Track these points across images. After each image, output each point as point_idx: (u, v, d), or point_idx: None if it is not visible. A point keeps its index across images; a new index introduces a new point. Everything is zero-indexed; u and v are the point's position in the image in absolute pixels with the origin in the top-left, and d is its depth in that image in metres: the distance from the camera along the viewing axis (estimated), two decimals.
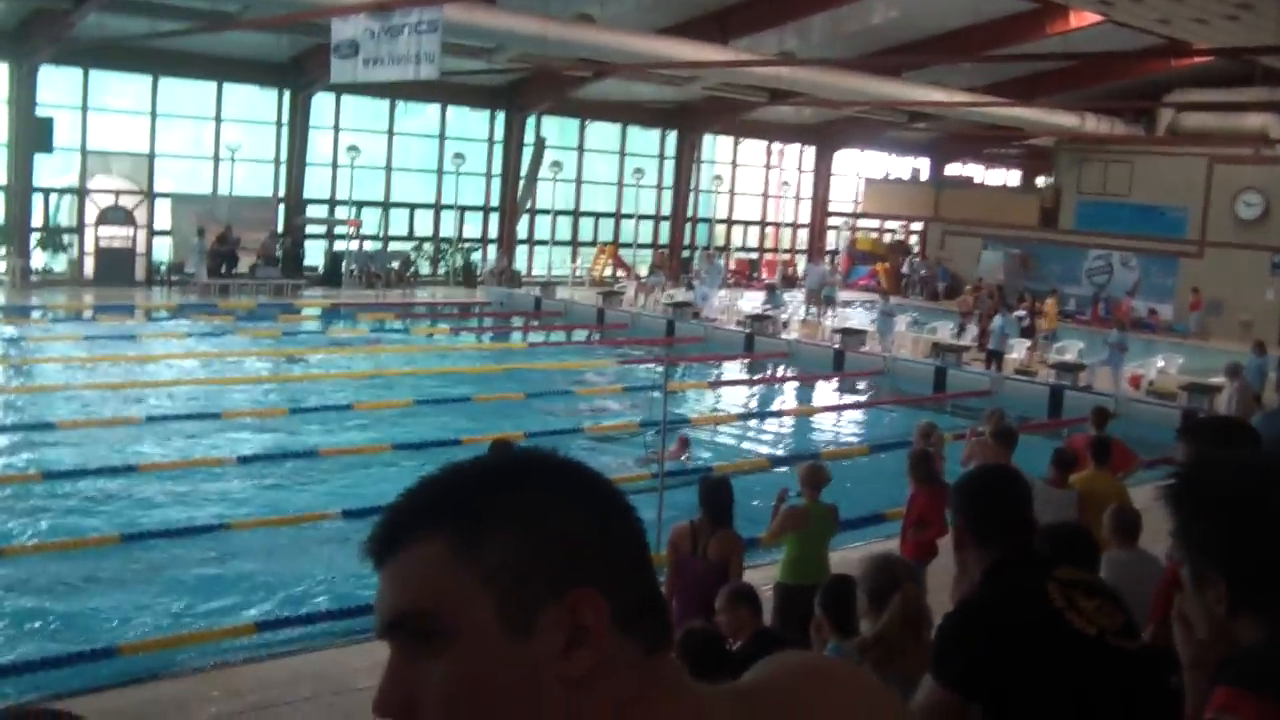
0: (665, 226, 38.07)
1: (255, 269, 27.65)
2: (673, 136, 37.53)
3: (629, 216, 36.78)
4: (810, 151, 42.61)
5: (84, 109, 26.75)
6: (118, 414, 14.37)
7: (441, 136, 33.02)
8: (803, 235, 43.29)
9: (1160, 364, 22.29)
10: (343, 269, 29.64)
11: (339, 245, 30.69)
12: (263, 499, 11.59)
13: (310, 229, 30.70)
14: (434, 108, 32.86)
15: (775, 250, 42.17)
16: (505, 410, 16.10)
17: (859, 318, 28.88)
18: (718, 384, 20.78)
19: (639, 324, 26.15)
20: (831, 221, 43.87)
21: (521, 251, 34.91)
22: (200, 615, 8.66)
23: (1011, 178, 47.92)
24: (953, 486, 3.17)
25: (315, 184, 30.71)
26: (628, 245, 36.32)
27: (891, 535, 9.17)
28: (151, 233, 27.71)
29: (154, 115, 27.78)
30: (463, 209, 33.44)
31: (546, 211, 34.81)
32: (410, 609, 0.98)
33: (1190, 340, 29.45)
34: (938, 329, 25.54)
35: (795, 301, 30.38)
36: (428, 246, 32.81)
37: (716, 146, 40.55)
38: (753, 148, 41.51)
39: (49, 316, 22.89)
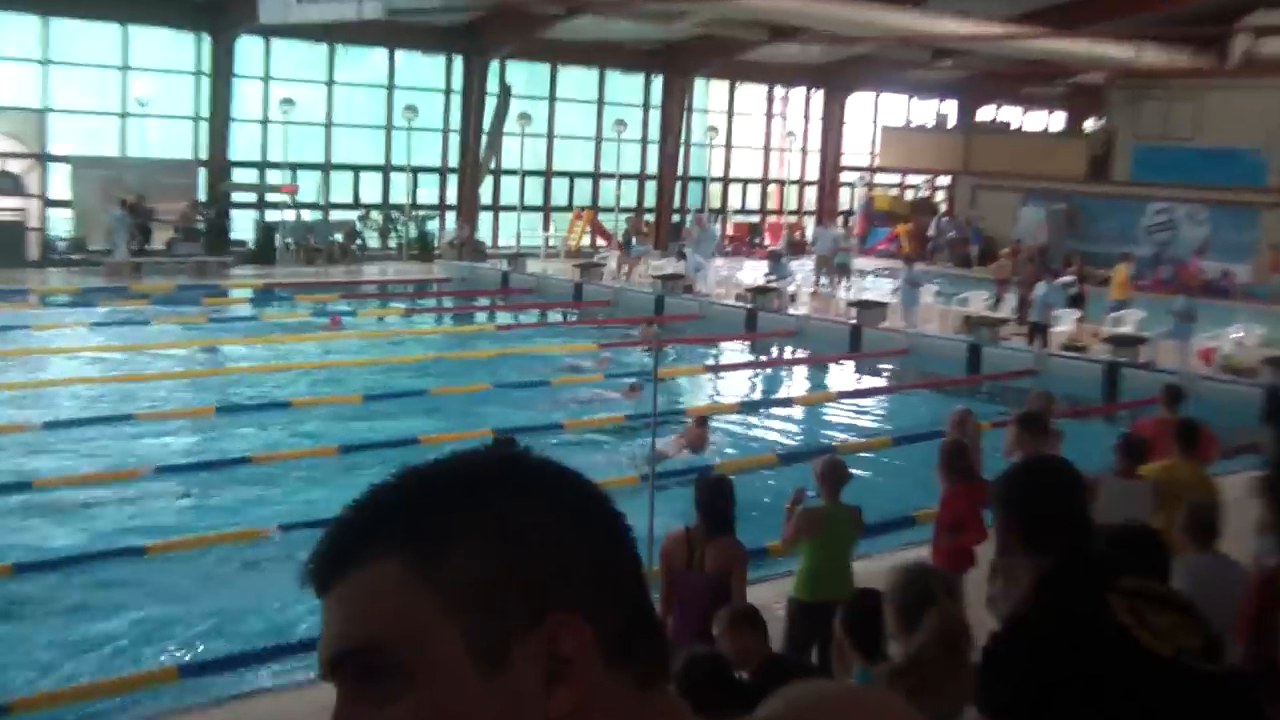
0: (652, 187, 38.09)
1: (173, 245, 27.53)
2: (658, 82, 37.51)
3: (609, 176, 36.76)
4: (819, 96, 42.62)
5: None
6: (8, 420, 14.25)
7: (390, 87, 32.95)
8: (811, 194, 43.35)
9: (1237, 335, 22.22)
10: (276, 243, 29.57)
11: (272, 215, 30.60)
12: (185, 516, 11.55)
13: (237, 197, 30.58)
14: (380, 53, 32.76)
15: (780, 212, 42.21)
16: (470, 404, 16.08)
17: (878, 289, 28.89)
18: (716, 368, 20.81)
19: (623, 301, 26.18)
20: (845, 177, 43.96)
21: (485, 219, 34.87)
22: (111, 659, 8.55)
23: (1054, 122, 48.03)
24: (994, 482, 3.16)
25: (242, 144, 30.57)
26: (608, 210, 36.32)
27: (923, 541, 9.18)
28: (46, 203, 27.54)
29: (46, 63, 27.57)
30: (416, 171, 33.38)
31: (514, 172, 34.75)
32: (360, 643, 0.98)
33: (1273, 306, 28.60)
34: (970, 300, 25.60)
35: (804, 271, 30.42)
36: (376, 215, 32.75)
37: (710, 93, 40.52)
38: (752, 94, 41.50)
39: None
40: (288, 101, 30.24)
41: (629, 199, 37.54)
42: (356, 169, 32.97)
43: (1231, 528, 6.56)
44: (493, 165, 34.65)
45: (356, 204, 32.78)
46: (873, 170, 44.66)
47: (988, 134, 42.78)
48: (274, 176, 31.06)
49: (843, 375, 21.41)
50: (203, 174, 29.82)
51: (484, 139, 33.77)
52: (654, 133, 37.91)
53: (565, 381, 17.76)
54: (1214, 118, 34.58)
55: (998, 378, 19.89)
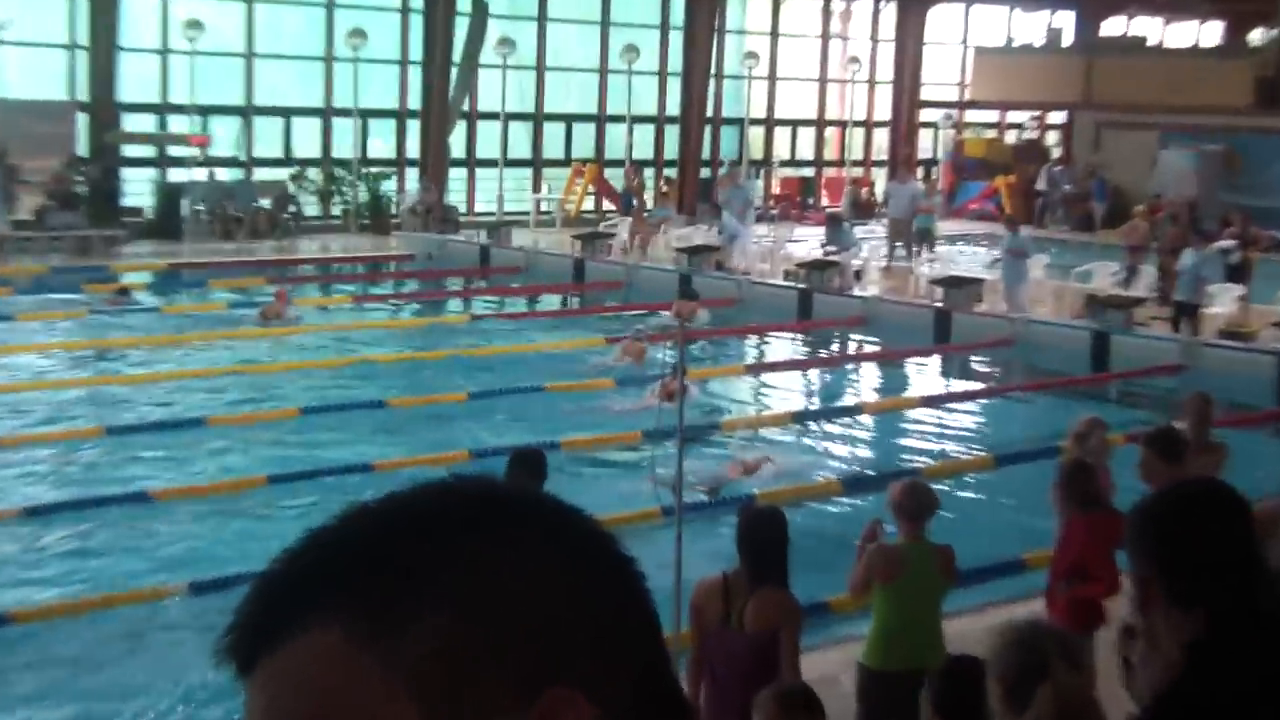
0: (673, 133, 38.14)
1: (44, 214, 27.66)
2: None
3: (617, 120, 36.86)
4: (889, 10, 42.61)
5: None
6: None
7: (329, 4, 33.09)
8: (882, 138, 43.41)
9: None
10: (183, 212, 29.71)
11: (176, 175, 30.72)
12: (66, 571, 11.58)
13: (129, 151, 30.73)
14: None
15: (840, 163, 42.26)
16: (439, 419, 16.15)
17: (971, 261, 28.73)
18: (759, 368, 20.87)
19: (637, 281, 26.25)
20: (925, 116, 44.02)
21: (458, 178, 35.03)
22: None
23: (1208, 34, 47.84)
24: (1129, 514, 3.13)
25: (135, 81, 30.76)
26: (617, 164, 36.39)
27: (1036, 592, 9.16)
28: None
29: None
30: (366, 115, 33.58)
31: (493, 116, 34.87)
32: None
33: None
34: (1094, 274, 25.55)
35: (873, 240, 30.32)
36: (314, 174, 32.94)
37: (748, 9, 40.61)
38: (803, 8, 41.52)
39: None
40: (194, 24, 30.36)
41: (644, 149, 37.64)
42: (288, 114, 33.17)
43: None
44: (465, 107, 34.78)
45: (288, 160, 33.00)
46: (962, 106, 44.64)
47: (1116, 54, 42.63)
48: (178, 124, 31.21)
49: (925, 375, 21.45)
50: (82, 121, 29.98)
51: (454, 73, 33.89)
52: (675, 63, 38.08)
53: (564, 388, 17.78)
54: None
55: (1132, 375, 19.90)
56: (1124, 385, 19.73)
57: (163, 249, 28.12)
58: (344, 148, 33.21)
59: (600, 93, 37.46)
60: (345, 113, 33.12)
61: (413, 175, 33.91)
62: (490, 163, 35.02)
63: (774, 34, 40.94)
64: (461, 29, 33.83)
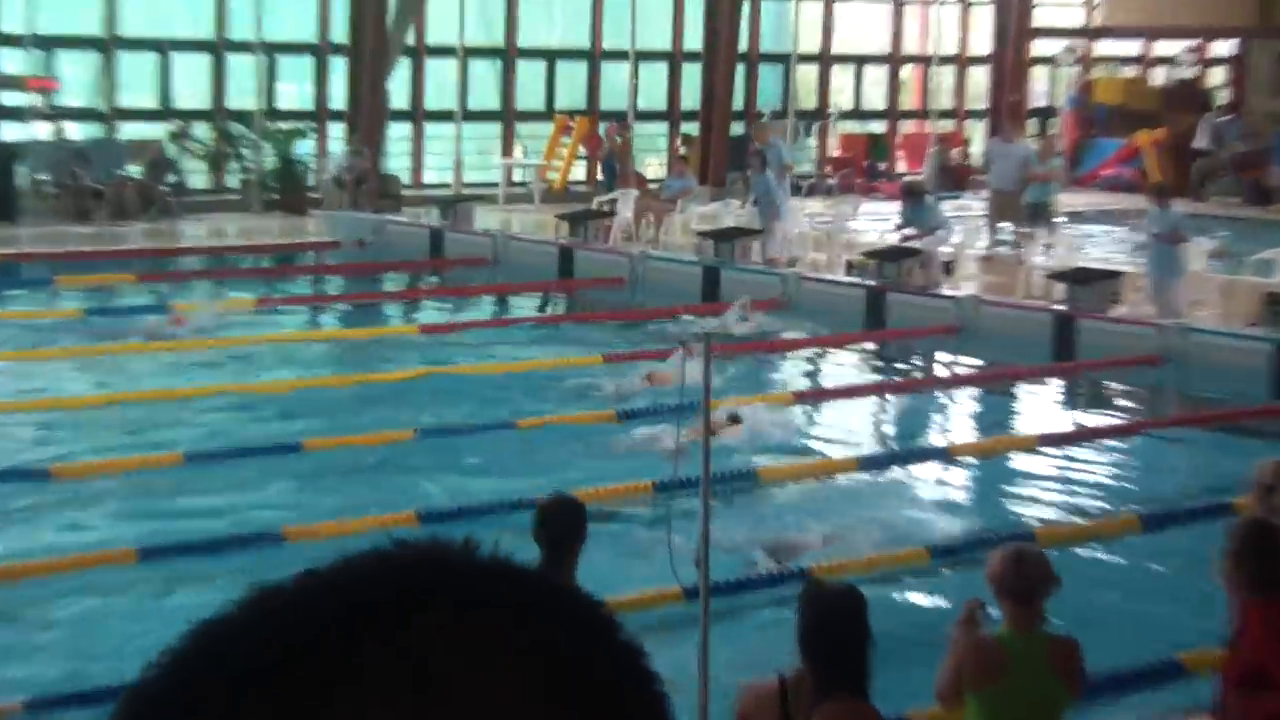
0: (694, 74, 38.14)
1: None
2: None
3: (617, 57, 36.89)
4: None
5: None
6: None
7: None
8: (979, 80, 43.40)
9: None
10: (18, 182, 29.80)
11: (8, 132, 30.78)
12: None
13: None
14: None
15: (922, 114, 42.27)
16: (376, 466, 16.20)
17: (1103, 247, 28.60)
18: (812, 396, 20.74)
19: (645, 278, 26.32)
20: (1039, 48, 44.07)
21: (399, 136, 35.08)
22: None
23: None
24: None
25: None
26: (615, 115, 36.39)
27: (1199, 706, 9.16)
28: None
29: None
30: (272, 51, 33.77)
31: (448, 53, 34.92)
32: None
33: None
34: (1276, 264, 25.48)
35: (969, 220, 30.25)
36: (202, 132, 33.01)
37: None
38: None
39: None
40: None
41: (654, 97, 37.62)
42: (163, 48, 33.23)
43: None
44: (410, 40, 34.89)
45: (166, 112, 33.10)
46: (1092, 34, 44.63)
47: None
48: (10, 62, 31.24)
49: (1042, 403, 21.52)
50: None
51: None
52: None
53: (544, 423, 17.77)
54: None
55: None
56: None
57: None
58: (243, 96, 33.31)
59: (594, 21, 37.70)
60: (244, 47, 33.30)
61: (338, 133, 33.95)
62: (444, 116, 35.07)
63: None
64: None
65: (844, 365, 22.91)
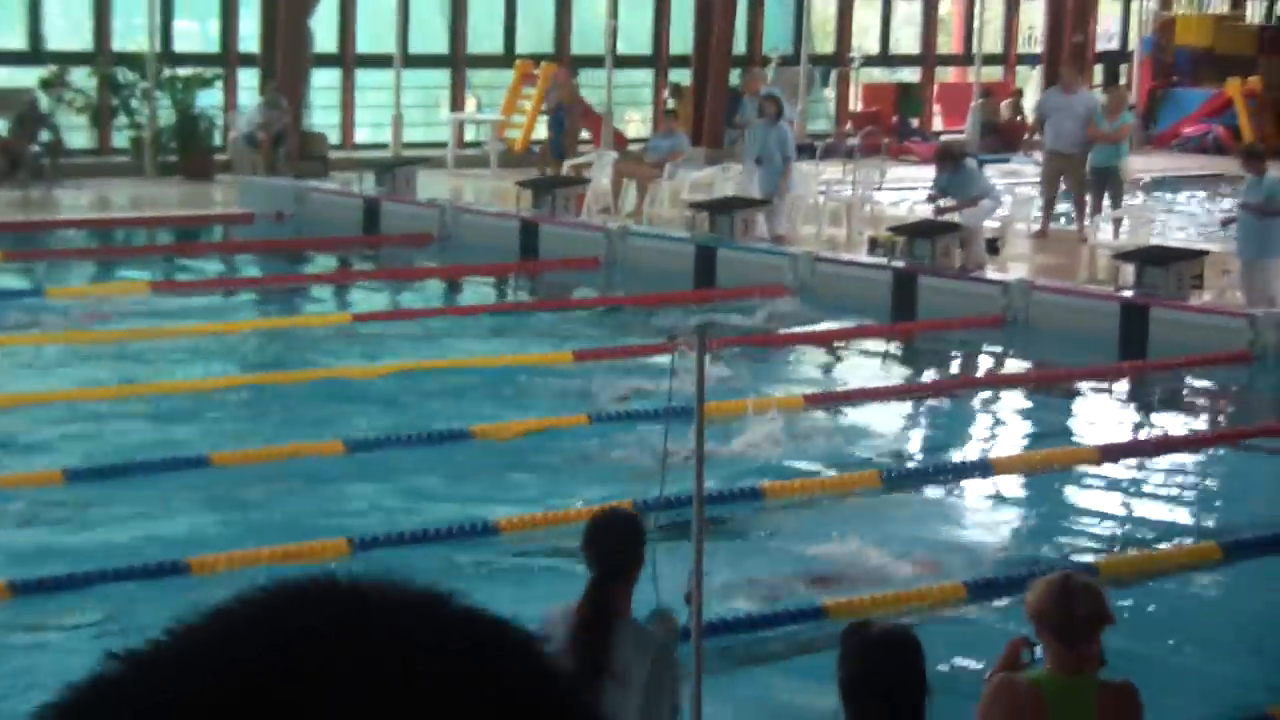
0: (684, 10, 38.11)
1: None
2: None
3: None
4: None
5: None
6: None
7: None
8: (1034, 17, 43.38)
9: None
10: None
11: None
12: None
13: None
14: None
15: (964, 60, 42.24)
16: (300, 484, 16.10)
17: (1184, 221, 28.59)
18: (826, 400, 20.74)
19: (624, 257, 26.37)
20: None
21: (325, 86, 35.09)
22: None
23: None
24: None
25: None
26: (592, 62, 36.38)
27: None
28: None
29: None
30: None
31: None
32: None
33: None
34: None
35: (1021, 187, 30.23)
36: (83, 80, 32.98)
37: None
38: None
39: None
40: None
41: (636, 39, 37.62)
42: None
43: None
44: None
45: (36, 55, 33.04)
46: None
47: None
48: None
49: (1105, 409, 21.41)
50: None
51: None
52: None
53: (507, 433, 17.84)
54: None
55: None
56: None
57: None
58: (132, 36, 33.28)
59: None
60: None
61: (250, 81, 33.92)
62: (379, 61, 35.07)
63: None
64: None
65: (865, 363, 22.91)
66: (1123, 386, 22.13)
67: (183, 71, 33.36)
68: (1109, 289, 23.83)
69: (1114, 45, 43.89)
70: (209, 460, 16.50)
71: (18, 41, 32.95)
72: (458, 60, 36.49)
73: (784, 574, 14.25)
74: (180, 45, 33.90)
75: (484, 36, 36.80)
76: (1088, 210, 29.23)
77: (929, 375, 22.82)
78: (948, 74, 42.40)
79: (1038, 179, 31.28)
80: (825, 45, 40.23)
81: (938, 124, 40.14)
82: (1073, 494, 17.57)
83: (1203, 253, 24.43)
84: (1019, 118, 39.69)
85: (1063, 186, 30.23)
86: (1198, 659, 12.54)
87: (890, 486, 17.24)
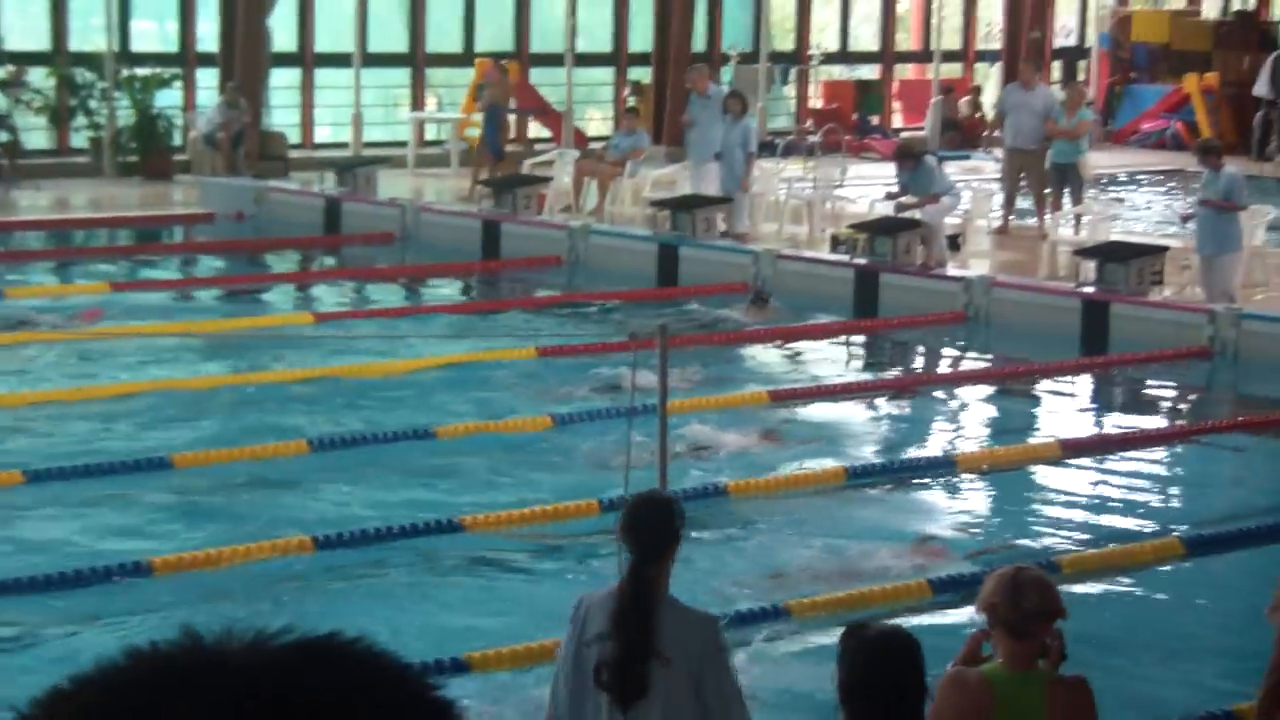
0: (645, 7, 38.12)
1: None
2: None
3: None
4: None
5: None
6: None
7: None
8: (992, 13, 43.41)
9: None
10: None
11: None
12: None
13: None
14: None
15: (924, 56, 42.24)
16: (264, 484, 16.08)
17: (1142, 218, 28.50)
18: (787, 396, 20.75)
19: (586, 257, 26.37)
20: None
21: (285, 85, 35.05)
22: None
23: None
24: None
25: None
26: (551, 61, 36.34)
27: None
28: None
29: None
30: None
31: None
32: None
33: None
34: None
35: (980, 184, 30.21)
36: (40, 78, 32.87)
37: None
38: None
39: None
40: None
41: (597, 36, 37.56)
42: None
43: None
44: None
45: None
46: None
47: None
48: None
49: (1067, 406, 21.42)
50: None
51: None
52: None
53: (465, 431, 17.86)
54: None
55: None
56: None
57: None
58: (90, 35, 33.18)
59: None
60: None
61: (209, 81, 33.85)
62: (339, 60, 35.01)
63: None
64: None
65: (829, 360, 22.84)
66: (1084, 382, 22.18)
67: (141, 71, 33.18)
68: (1070, 285, 23.84)
69: (1072, 41, 43.94)
70: (170, 462, 16.42)
71: None
72: (417, 59, 36.43)
73: (748, 572, 14.27)
74: (139, 45, 33.73)
75: (443, 35, 36.72)
76: (1048, 206, 29.29)
77: (892, 372, 22.80)
78: (907, 71, 42.42)
79: (998, 175, 31.36)
80: (785, 43, 40.22)
81: (898, 121, 40.14)
82: (1035, 490, 17.58)
83: (1163, 248, 24.48)
84: (978, 114, 39.75)
85: (1023, 183, 30.38)
86: (1160, 655, 12.60)
87: (854, 483, 17.22)
